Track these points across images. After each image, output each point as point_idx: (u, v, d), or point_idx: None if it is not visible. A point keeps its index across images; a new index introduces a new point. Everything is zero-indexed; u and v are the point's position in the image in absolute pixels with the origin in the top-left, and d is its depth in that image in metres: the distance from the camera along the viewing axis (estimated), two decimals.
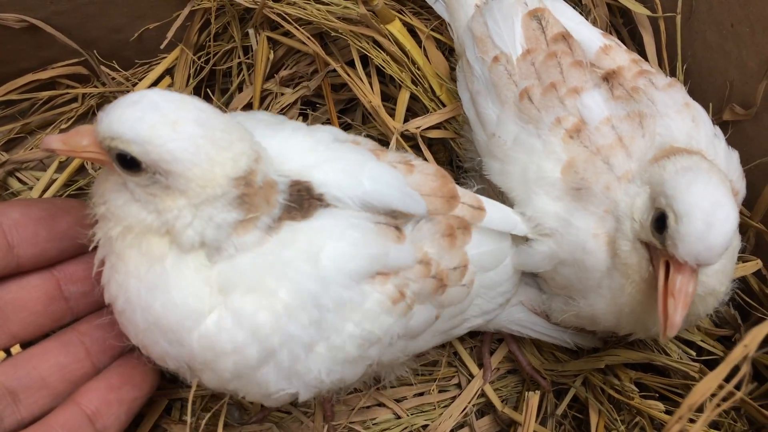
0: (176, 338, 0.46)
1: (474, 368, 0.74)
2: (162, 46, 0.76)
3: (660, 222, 0.53)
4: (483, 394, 0.74)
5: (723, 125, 0.71)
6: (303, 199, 0.48)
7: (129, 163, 0.42)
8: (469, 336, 0.75)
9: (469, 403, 0.73)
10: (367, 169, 0.52)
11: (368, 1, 0.69)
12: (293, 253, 0.47)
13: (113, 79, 0.79)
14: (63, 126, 0.80)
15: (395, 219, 0.53)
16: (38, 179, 0.75)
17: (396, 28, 0.73)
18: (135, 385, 0.53)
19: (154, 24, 0.77)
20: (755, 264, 0.68)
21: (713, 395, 0.43)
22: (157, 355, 0.48)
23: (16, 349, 0.51)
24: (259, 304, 0.46)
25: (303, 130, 0.54)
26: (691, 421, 0.43)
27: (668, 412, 0.69)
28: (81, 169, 0.76)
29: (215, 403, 0.67)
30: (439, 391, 0.74)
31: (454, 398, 0.74)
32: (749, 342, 0.41)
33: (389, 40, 0.72)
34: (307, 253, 0.47)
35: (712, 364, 0.72)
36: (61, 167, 0.75)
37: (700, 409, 0.43)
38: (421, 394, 0.74)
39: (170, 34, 0.76)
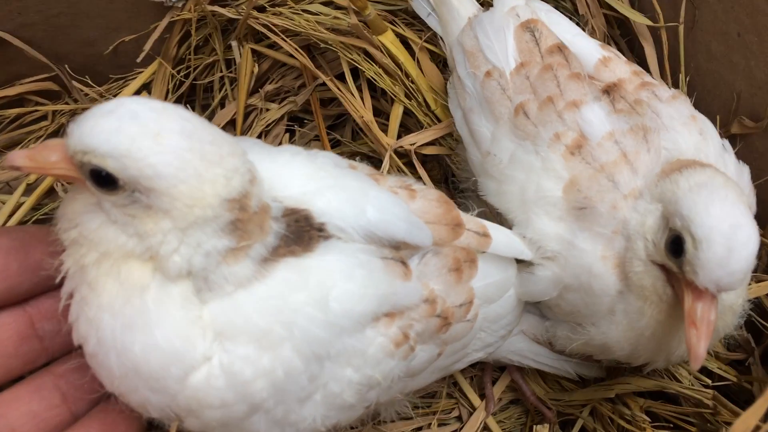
0: (160, 386, 0.40)
1: (475, 399, 0.70)
2: (139, 60, 0.72)
3: (676, 245, 0.49)
4: (486, 427, 0.69)
5: (731, 139, 0.68)
6: (302, 231, 0.44)
7: (104, 181, 0.37)
8: (469, 366, 0.71)
9: None
10: (371, 197, 0.49)
11: (360, 10, 0.65)
12: (303, 298, 0.42)
13: (86, 95, 0.75)
14: (32, 145, 0.75)
15: (398, 251, 0.49)
16: (3, 203, 0.70)
17: (388, 40, 0.69)
18: None
19: (130, 36, 0.73)
20: None
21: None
22: (136, 402, 0.42)
23: None
24: (259, 368, 0.41)
25: (303, 154, 0.50)
26: None
27: None
28: (51, 191, 0.71)
29: None
30: (439, 425, 0.70)
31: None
32: None
33: (381, 51, 0.68)
34: (316, 298, 0.43)
35: (723, 390, 0.68)
36: (29, 189, 0.70)
37: None
38: (420, 429, 0.70)
39: (148, 47, 0.72)
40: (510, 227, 0.60)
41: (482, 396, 0.71)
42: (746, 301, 0.58)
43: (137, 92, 0.76)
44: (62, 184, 0.69)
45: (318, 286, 0.43)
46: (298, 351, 0.42)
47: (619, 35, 0.82)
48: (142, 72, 0.77)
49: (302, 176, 0.47)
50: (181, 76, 0.76)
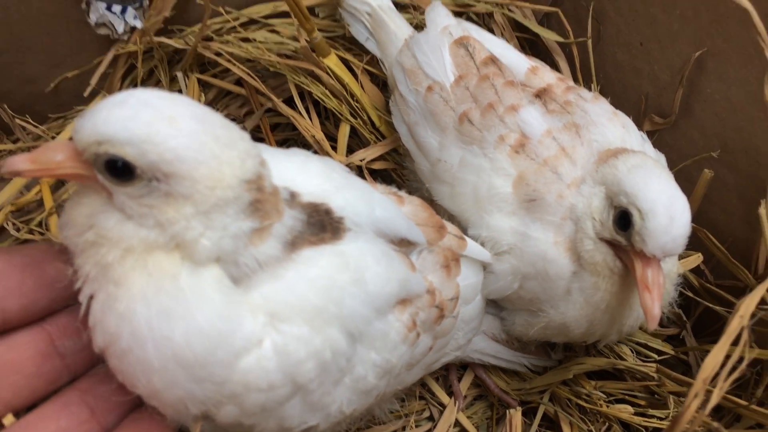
0: (206, 373, 0.39)
1: (444, 397, 0.73)
2: (86, 94, 0.72)
3: (623, 220, 0.55)
4: (457, 423, 0.72)
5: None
6: (324, 222, 0.45)
7: (120, 171, 0.36)
8: None
9: None
10: (376, 198, 0.52)
11: (308, 33, 0.69)
12: (347, 278, 0.44)
13: (28, 133, 0.73)
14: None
15: (400, 247, 0.52)
16: None
17: (333, 62, 0.73)
18: None
19: (73, 72, 0.73)
20: (697, 257, 0.72)
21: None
22: (174, 399, 0.40)
23: (8, 420, 0.43)
24: (311, 348, 0.42)
25: (314, 157, 0.52)
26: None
27: (637, 415, 0.71)
28: (1, 231, 0.68)
29: None
30: (414, 426, 0.72)
31: (429, 431, 0.71)
32: (744, 312, 0.43)
33: (328, 73, 0.72)
34: (357, 278, 0.44)
35: (663, 364, 0.74)
36: None
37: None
38: None
39: (94, 81, 0.72)
40: (465, 228, 0.65)
41: (450, 394, 0.74)
42: (679, 270, 0.65)
43: None
44: (14, 223, 0.67)
45: (357, 268, 0.45)
46: (344, 330, 0.44)
47: (533, 55, 0.90)
48: (82, 110, 0.77)
49: (318, 176, 0.48)
50: None
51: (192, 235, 0.38)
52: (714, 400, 0.44)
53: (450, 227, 0.60)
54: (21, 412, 0.43)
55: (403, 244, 0.53)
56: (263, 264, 0.41)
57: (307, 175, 0.48)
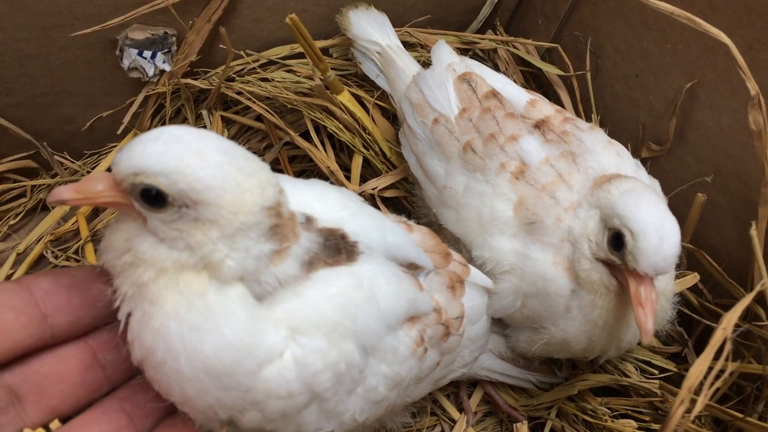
0: (232, 382, 0.43)
1: (455, 413, 0.76)
2: (119, 132, 0.78)
3: (617, 241, 0.59)
4: None
5: (641, 162, 0.79)
6: (339, 246, 0.49)
7: (153, 199, 0.40)
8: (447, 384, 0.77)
9: None
10: (387, 225, 0.56)
11: (322, 72, 0.75)
12: (361, 296, 0.48)
13: (66, 168, 0.79)
14: (11, 222, 0.79)
15: (409, 270, 0.56)
16: None
17: (346, 98, 0.78)
18: None
19: (108, 112, 0.79)
20: (693, 277, 0.75)
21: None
22: (204, 406, 0.43)
23: (55, 425, 0.47)
24: (327, 360, 0.46)
25: (333, 187, 0.56)
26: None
27: (641, 429, 0.73)
28: (40, 259, 0.74)
29: None
30: None
31: None
32: (726, 325, 0.46)
33: (341, 108, 0.77)
34: (370, 296, 0.48)
35: (666, 381, 0.77)
36: (18, 260, 0.73)
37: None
38: None
39: (126, 120, 0.78)
40: (469, 250, 0.69)
41: (461, 410, 0.77)
42: (675, 290, 0.69)
43: None
44: (53, 251, 0.73)
45: (370, 287, 0.49)
46: (358, 344, 0.47)
47: (535, 88, 0.95)
48: (115, 146, 0.83)
49: (336, 204, 0.53)
50: None
51: (218, 256, 0.42)
52: (699, 407, 0.48)
53: (455, 255, 0.64)
54: (66, 417, 0.48)
55: (412, 268, 0.57)
56: (283, 282, 0.45)
57: (325, 203, 0.52)
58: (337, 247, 0.49)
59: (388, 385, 0.52)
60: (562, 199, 0.65)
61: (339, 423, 0.50)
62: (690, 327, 0.80)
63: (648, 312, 0.56)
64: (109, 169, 0.46)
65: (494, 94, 0.73)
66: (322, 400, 0.47)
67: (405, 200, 0.83)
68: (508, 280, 0.67)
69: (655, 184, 0.72)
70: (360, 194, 0.78)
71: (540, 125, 0.71)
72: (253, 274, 0.43)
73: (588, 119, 0.89)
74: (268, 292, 0.44)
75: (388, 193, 0.80)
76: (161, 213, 0.41)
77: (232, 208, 0.41)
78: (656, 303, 0.57)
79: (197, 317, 0.41)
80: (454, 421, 0.76)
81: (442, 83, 0.74)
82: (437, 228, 0.74)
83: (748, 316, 0.72)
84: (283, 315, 0.44)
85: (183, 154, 0.40)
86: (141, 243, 0.42)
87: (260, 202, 0.42)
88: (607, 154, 0.69)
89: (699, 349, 0.80)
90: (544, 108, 0.73)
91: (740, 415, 0.65)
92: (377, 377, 0.51)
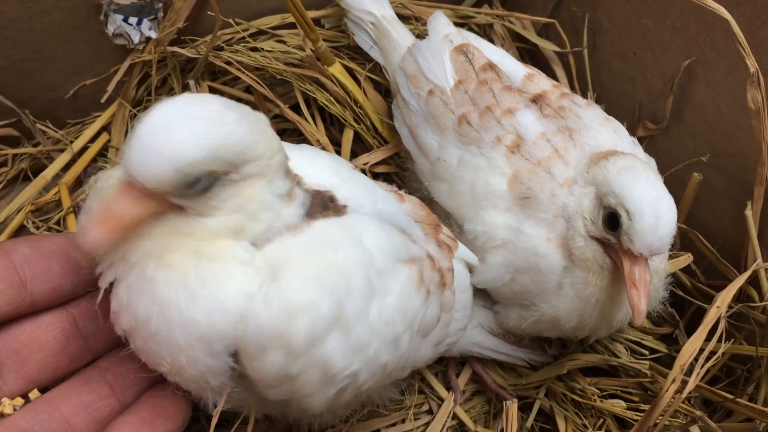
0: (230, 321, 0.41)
1: (443, 392, 0.75)
2: (103, 101, 0.76)
3: (612, 220, 0.58)
4: (455, 417, 0.74)
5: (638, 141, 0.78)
6: (327, 204, 0.49)
7: (199, 184, 0.39)
8: (434, 362, 0.77)
9: (443, 426, 0.73)
10: (378, 193, 0.55)
11: (313, 42, 0.73)
12: (340, 234, 0.47)
13: (48, 138, 0.77)
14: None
15: None
16: None
17: (337, 70, 0.76)
18: (168, 417, 0.47)
19: (92, 80, 0.77)
20: (687, 258, 0.74)
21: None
22: (196, 375, 0.42)
23: (34, 394, 0.46)
24: (339, 273, 0.45)
25: (324, 152, 0.56)
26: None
27: (630, 409, 0.73)
28: (21, 229, 0.72)
29: None
30: (413, 419, 0.74)
31: (427, 424, 0.74)
32: (720, 303, 0.45)
33: (332, 80, 0.75)
34: (352, 236, 0.48)
35: (656, 362, 0.77)
36: None
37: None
38: (394, 425, 0.74)
39: (110, 88, 0.76)
40: (461, 224, 0.68)
41: (449, 388, 0.76)
42: (668, 270, 0.68)
43: (97, 133, 0.80)
44: (34, 221, 0.71)
45: (352, 229, 0.48)
46: (348, 260, 0.46)
47: (531, 65, 0.93)
48: (99, 116, 0.81)
49: (327, 168, 0.52)
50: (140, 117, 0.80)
51: (267, 204, 0.43)
52: (690, 385, 0.47)
53: (444, 228, 0.63)
54: (45, 387, 0.47)
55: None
56: (290, 227, 0.45)
57: (317, 167, 0.51)
58: (325, 205, 0.49)
59: (401, 317, 0.50)
60: (558, 175, 0.64)
61: (365, 361, 0.47)
62: (682, 308, 0.80)
63: (641, 293, 0.55)
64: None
65: (491, 66, 0.71)
66: (346, 328, 0.45)
67: (396, 176, 0.81)
68: (500, 254, 0.66)
69: (651, 162, 0.71)
70: None
71: (537, 99, 0.69)
72: (276, 215, 0.44)
73: (584, 97, 0.88)
74: (277, 234, 0.44)
75: (379, 169, 0.79)
76: (207, 194, 0.40)
77: (269, 152, 0.42)
78: (650, 283, 0.56)
79: (197, 282, 0.41)
80: (442, 400, 0.75)
81: (438, 54, 0.73)
82: (429, 203, 0.73)
83: (740, 297, 0.72)
84: (263, 259, 0.43)
85: (208, 127, 0.39)
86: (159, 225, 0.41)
87: (277, 138, 0.43)
88: (605, 131, 0.68)
89: (690, 331, 0.80)
90: (542, 82, 0.72)
91: (731, 396, 0.64)
92: (389, 310, 0.49)
